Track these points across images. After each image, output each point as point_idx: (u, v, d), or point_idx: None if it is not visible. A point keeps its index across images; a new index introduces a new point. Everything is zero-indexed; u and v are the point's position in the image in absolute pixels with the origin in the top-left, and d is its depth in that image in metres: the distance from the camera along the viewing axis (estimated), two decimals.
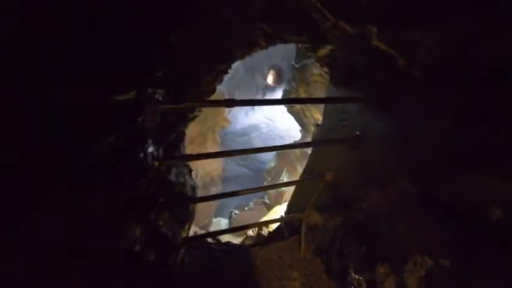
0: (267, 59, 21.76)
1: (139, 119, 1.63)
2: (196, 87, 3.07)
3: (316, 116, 10.81)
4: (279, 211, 9.34)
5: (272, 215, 9.16)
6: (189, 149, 15.04)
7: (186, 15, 2.19)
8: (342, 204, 2.63)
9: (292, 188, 13.24)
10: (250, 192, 2.84)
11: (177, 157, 2.59)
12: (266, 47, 4.10)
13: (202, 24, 2.51)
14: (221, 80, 4.57)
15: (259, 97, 21.79)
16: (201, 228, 16.25)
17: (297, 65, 9.56)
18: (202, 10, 2.40)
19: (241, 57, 4.28)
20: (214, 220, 18.45)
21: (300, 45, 9.60)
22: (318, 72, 7.85)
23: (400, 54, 2.22)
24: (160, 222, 2.32)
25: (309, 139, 13.02)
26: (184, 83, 2.56)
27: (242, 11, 2.72)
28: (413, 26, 2.05)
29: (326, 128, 3.75)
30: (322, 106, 8.79)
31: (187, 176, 3.44)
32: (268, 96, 21.71)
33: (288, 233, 3.37)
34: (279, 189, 14.43)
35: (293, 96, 11.73)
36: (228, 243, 3.73)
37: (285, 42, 3.81)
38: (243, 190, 2.78)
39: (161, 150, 2.14)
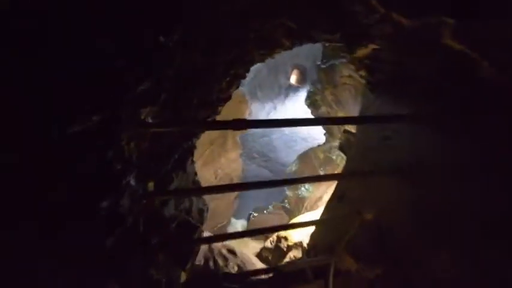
0: (291, 58, 20.96)
1: (109, 151, 1.15)
2: (205, 96, 2.55)
3: None
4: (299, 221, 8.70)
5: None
6: (210, 150, 14.80)
7: (188, 5, 1.66)
8: (388, 254, 1.98)
9: (315, 193, 12.49)
10: (260, 233, 2.28)
11: (169, 192, 2.08)
12: (290, 48, 3.50)
13: (210, 17, 1.97)
14: (238, 85, 4.06)
15: (282, 98, 21.10)
16: (218, 228, 15.99)
17: (323, 65, 8.80)
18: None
19: (261, 59, 3.73)
20: (233, 221, 18.13)
21: (327, 45, 8.85)
22: (347, 74, 7.07)
23: (485, 58, 1.53)
24: (152, 271, 1.83)
25: (334, 144, 12.18)
26: (187, 93, 2.04)
27: (261, 1, 2.14)
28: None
29: (363, 145, 3.07)
30: (352, 109, 8.00)
31: (194, 198, 2.96)
32: (291, 97, 20.97)
33: (312, 274, 2.76)
34: (299, 194, 13.74)
35: (317, 98, 10.95)
36: (238, 276, 3.19)
37: (314, 41, 3.19)
38: (252, 230, 2.24)
39: (152, 183, 1.65)
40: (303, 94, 20.89)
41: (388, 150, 2.39)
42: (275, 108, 21.04)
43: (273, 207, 16.15)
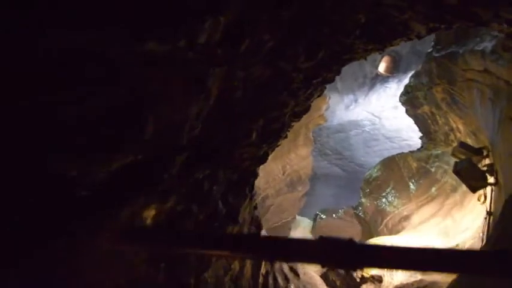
0: None
1: None
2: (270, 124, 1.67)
3: (454, 126, 7.59)
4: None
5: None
6: (280, 145, 14.07)
7: None
8: None
9: (401, 210, 10.37)
10: None
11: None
12: (420, 36, 2.21)
13: None
14: (322, 92, 3.00)
15: (365, 89, 18.42)
16: (282, 223, 15.45)
17: (436, 53, 6.66)
18: None
19: (364, 56, 2.55)
20: (298, 218, 17.31)
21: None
22: (480, 68, 5.00)
23: None
24: None
25: (435, 152, 9.66)
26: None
27: None
28: None
29: None
30: (479, 118, 5.80)
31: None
32: (377, 89, 18.08)
33: None
34: (379, 205, 11.75)
35: (419, 94, 8.65)
36: None
37: (480, 23, 1.84)
38: None
39: None
40: (392, 86, 17.73)
41: None
42: (356, 101, 18.58)
43: (344, 212, 14.51)
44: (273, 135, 2.13)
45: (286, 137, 2.92)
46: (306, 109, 2.84)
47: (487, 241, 3.68)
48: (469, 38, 5.43)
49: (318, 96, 2.93)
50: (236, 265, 2.61)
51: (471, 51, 5.21)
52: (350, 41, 1.98)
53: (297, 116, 2.71)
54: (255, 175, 2.39)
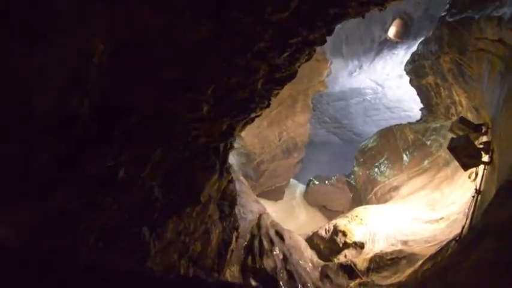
0: (394, 5, 16.17)
1: None
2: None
3: (457, 99, 7.10)
4: (368, 219, 7.07)
5: (354, 220, 7.10)
6: (277, 110, 13.60)
7: None
8: None
9: (391, 180, 10.36)
10: None
11: None
12: None
13: None
14: (310, 56, 2.54)
15: (372, 55, 17.24)
16: (276, 187, 15.78)
17: (450, 18, 5.91)
18: None
19: (360, 13, 2.07)
20: (292, 183, 17.61)
21: None
22: (495, 37, 4.40)
23: None
24: None
25: (433, 125, 9.28)
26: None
27: None
28: None
29: None
30: (486, 92, 5.31)
31: None
32: (384, 55, 16.91)
33: None
34: (371, 175, 11.73)
35: (426, 63, 7.98)
36: None
37: None
38: None
39: None
40: (400, 53, 16.53)
41: None
42: (360, 67, 17.52)
43: (337, 179, 14.66)
44: (238, 106, 1.82)
45: (267, 106, 2.59)
46: (292, 75, 2.46)
47: (471, 224, 3.56)
48: (488, 2, 4.72)
49: (307, 60, 2.53)
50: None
51: (487, 17, 4.55)
52: None
53: (279, 83, 2.34)
54: (225, 149, 2.13)
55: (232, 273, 5.15)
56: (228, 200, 2.58)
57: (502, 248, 1.92)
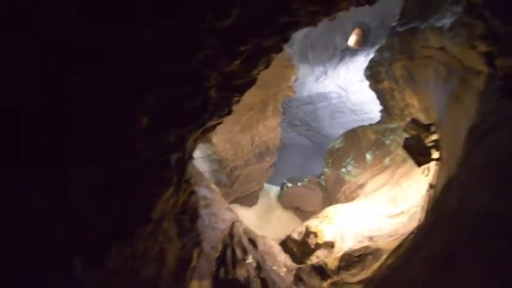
0: (353, 15, 17.15)
1: None
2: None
3: (410, 101, 7.65)
4: (337, 218, 7.27)
5: (324, 220, 7.28)
6: (248, 115, 13.60)
7: None
8: None
9: (358, 179, 10.81)
10: None
11: None
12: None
13: None
14: (268, 64, 2.54)
15: (335, 61, 18.07)
16: (250, 193, 15.66)
17: (400, 28, 6.37)
18: None
19: (311, 22, 2.12)
20: (267, 186, 17.64)
21: None
22: (438, 45, 4.81)
23: None
24: None
25: (391, 126, 9.89)
26: None
27: None
28: None
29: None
30: (431, 95, 5.77)
31: None
32: (346, 62, 17.84)
33: None
34: (339, 175, 12.16)
35: (381, 69, 8.53)
36: None
37: None
38: None
39: None
40: (360, 59, 17.54)
41: None
42: (325, 73, 18.29)
43: (308, 181, 14.97)
44: (188, 116, 1.72)
45: (228, 113, 2.51)
46: (251, 82, 2.42)
47: (426, 217, 3.78)
48: (431, 14, 5.16)
49: (265, 67, 2.51)
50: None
51: (431, 27, 4.97)
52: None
53: (238, 90, 2.28)
54: (181, 161, 2.00)
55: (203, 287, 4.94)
56: (189, 214, 2.43)
57: (448, 241, 2.03)
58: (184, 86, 1.50)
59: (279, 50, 2.37)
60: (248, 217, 13.95)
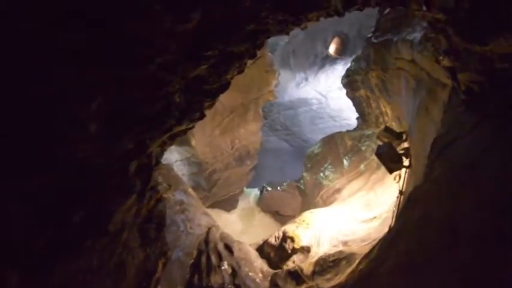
0: (332, 24, 17.72)
1: None
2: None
3: (384, 110, 7.97)
4: (314, 222, 7.36)
5: (301, 225, 7.32)
6: (229, 118, 13.48)
7: None
8: None
9: (335, 183, 11.04)
10: None
11: None
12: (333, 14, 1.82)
13: None
14: (242, 69, 2.50)
15: (315, 69, 18.51)
16: (230, 196, 15.48)
17: (375, 39, 6.62)
18: None
19: (281, 30, 2.10)
20: (246, 190, 17.53)
21: (387, 12, 6.52)
22: (408, 58, 5.03)
23: None
24: None
25: (367, 133, 10.24)
26: None
27: None
28: None
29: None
30: (403, 103, 6.03)
31: None
32: (326, 69, 18.32)
33: None
34: (317, 179, 12.36)
35: (358, 78, 8.82)
36: None
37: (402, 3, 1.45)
38: None
39: None
40: (340, 67, 18.10)
41: None
42: (306, 79, 18.66)
43: (287, 185, 15.09)
44: (148, 122, 1.60)
45: (200, 118, 2.42)
46: (223, 86, 2.35)
47: (392, 228, 3.88)
48: (403, 27, 5.40)
49: (239, 72, 2.45)
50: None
51: (403, 40, 5.20)
52: (247, 4, 1.48)
53: (209, 95, 2.20)
54: (144, 168, 1.87)
55: None
56: (155, 223, 2.30)
57: (413, 251, 2.07)
58: (141, 92, 1.39)
59: (253, 55, 2.33)
60: (227, 221, 13.75)
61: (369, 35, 7.08)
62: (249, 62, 2.66)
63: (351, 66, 9.28)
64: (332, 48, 18.38)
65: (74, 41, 0.99)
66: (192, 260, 5.61)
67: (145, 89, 1.45)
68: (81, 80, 1.07)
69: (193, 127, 2.49)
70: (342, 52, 18.36)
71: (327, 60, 18.66)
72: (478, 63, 1.84)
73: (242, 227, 14.20)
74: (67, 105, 1.09)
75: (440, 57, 2.44)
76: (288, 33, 2.36)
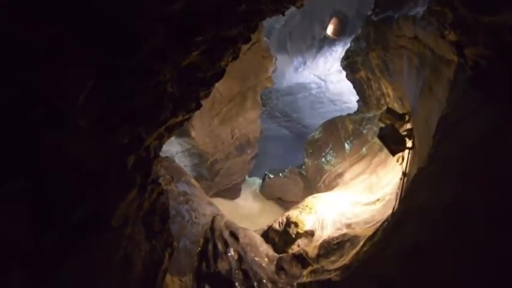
0: (330, 4, 17.11)
1: None
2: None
3: (386, 91, 7.83)
4: (317, 207, 7.42)
5: (305, 210, 7.38)
6: (227, 108, 13.34)
7: None
8: None
9: (337, 168, 11.05)
10: None
11: None
12: None
13: None
14: (236, 55, 2.39)
15: (313, 51, 18.09)
16: (233, 185, 15.59)
17: (375, 17, 6.39)
18: None
19: (275, 11, 1.98)
20: (248, 179, 17.63)
21: None
22: (411, 35, 4.86)
23: None
24: None
25: (368, 115, 10.13)
26: None
27: None
28: None
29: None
30: (405, 84, 5.89)
31: None
32: (325, 52, 17.90)
33: None
34: (319, 164, 12.38)
35: (358, 59, 8.60)
36: None
37: None
38: None
39: None
40: (339, 49, 17.68)
41: None
42: (304, 63, 18.28)
43: (289, 171, 15.13)
44: (141, 114, 1.54)
45: (197, 108, 2.35)
46: (218, 74, 2.26)
47: (396, 211, 3.88)
48: (405, 2, 5.19)
49: (234, 59, 2.35)
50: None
51: (404, 17, 5.00)
52: None
53: (204, 83, 2.12)
54: (143, 161, 1.83)
55: (184, 283, 4.84)
56: (159, 215, 2.30)
57: (419, 233, 2.06)
58: (131, 82, 1.32)
59: (247, 40, 2.23)
60: (231, 210, 13.93)
61: (369, 13, 6.83)
62: (244, 47, 2.55)
63: (350, 47, 9.04)
64: (330, 29, 17.87)
65: (54, 28, 0.91)
66: (199, 248, 5.71)
67: (135, 79, 1.38)
68: (68, 72, 1.00)
69: (190, 118, 2.43)
70: (340, 33, 17.85)
71: (325, 42, 18.18)
72: (486, 36, 1.75)
73: (246, 214, 14.39)
74: (54, 101, 1.03)
75: (446, 32, 2.33)
76: (283, 13, 2.25)
